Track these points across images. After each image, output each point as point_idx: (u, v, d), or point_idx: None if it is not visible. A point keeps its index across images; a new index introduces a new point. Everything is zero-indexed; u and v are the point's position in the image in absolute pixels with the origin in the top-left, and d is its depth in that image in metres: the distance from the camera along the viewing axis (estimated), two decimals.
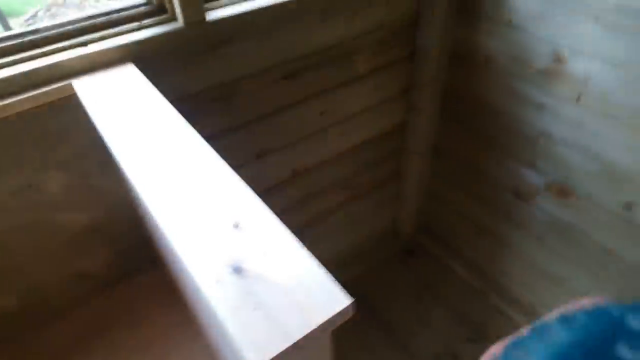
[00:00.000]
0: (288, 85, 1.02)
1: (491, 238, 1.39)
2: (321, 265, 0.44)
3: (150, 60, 0.76)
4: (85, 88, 0.69)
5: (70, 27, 0.73)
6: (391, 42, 1.15)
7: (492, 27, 1.09)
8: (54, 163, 0.72)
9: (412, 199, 1.54)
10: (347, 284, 0.41)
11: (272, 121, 1.05)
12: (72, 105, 0.70)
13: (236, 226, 0.48)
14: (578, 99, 0.98)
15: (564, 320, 0.55)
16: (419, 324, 1.42)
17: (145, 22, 0.77)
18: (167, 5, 0.78)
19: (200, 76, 0.85)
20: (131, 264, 0.92)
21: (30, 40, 0.70)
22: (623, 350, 0.41)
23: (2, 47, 0.69)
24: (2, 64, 0.68)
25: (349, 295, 0.41)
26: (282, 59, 0.97)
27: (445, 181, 1.46)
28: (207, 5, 0.81)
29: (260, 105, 1.00)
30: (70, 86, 0.69)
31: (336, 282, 0.42)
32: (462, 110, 1.28)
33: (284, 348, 0.37)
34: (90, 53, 0.71)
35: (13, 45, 0.69)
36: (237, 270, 0.43)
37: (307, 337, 0.38)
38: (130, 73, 0.73)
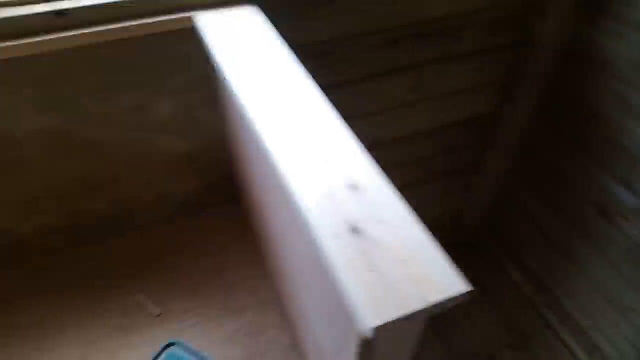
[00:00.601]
0: (388, 52, 0.99)
1: (560, 251, 1.33)
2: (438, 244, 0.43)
3: (271, 3, 0.75)
4: (207, 21, 0.69)
5: None
6: (503, 25, 1.08)
7: (617, 28, 0.99)
8: (166, 89, 0.75)
9: (484, 194, 1.49)
10: None
11: (363, 87, 1.03)
12: (192, 37, 0.71)
13: (353, 187, 0.48)
14: None
15: None
16: (463, 319, 1.41)
17: None
18: None
19: (310, 28, 0.84)
20: (213, 197, 0.96)
21: None
22: None
23: None
24: None
25: (466, 282, 0.40)
26: (390, 23, 0.93)
27: (523, 182, 1.40)
28: None
29: (356, 68, 0.98)
30: (191, 18, 0.70)
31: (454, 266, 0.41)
32: (560, 111, 1.20)
33: (399, 315, 0.37)
34: None
35: None
36: (355, 230, 0.44)
37: (421, 312, 0.38)
38: (251, 13, 0.72)
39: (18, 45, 0.57)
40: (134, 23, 0.67)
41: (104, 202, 0.86)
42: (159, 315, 0.81)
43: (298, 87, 0.60)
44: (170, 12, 0.69)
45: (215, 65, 0.72)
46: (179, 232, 0.95)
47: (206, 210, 0.98)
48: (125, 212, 0.90)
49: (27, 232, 0.84)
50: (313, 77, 0.94)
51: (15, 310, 0.81)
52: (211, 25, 0.69)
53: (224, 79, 0.64)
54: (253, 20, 0.71)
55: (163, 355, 0.68)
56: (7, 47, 0.57)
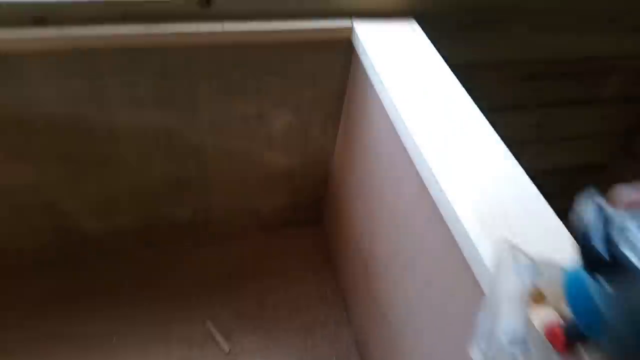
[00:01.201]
0: (523, 85, 0.87)
1: None
2: None
3: (431, 20, 0.63)
4: (364, 33, 0.58)
5: None
6: None
7: None
8: (290, 103, 0.64)
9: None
10: None
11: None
12: (332, 51, 0.60)
13: None
14: None
15: None
16: None
17: None
18: None
19: (460, 50, 0.72)
20: (297, 216, 0.86)
21: None
22: None
23: None
24: None
25: None
26: (537, 55, 0.81)
27: None
28: None
29: (487, 99, 0.86)
30: (350, 29, 0.58)
31: None
32: None
33: None
34: None
35: None
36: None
37: None
38: (410, 28, 0.60)
39: (153, 35, 0.46)
40: (281, 25, 0.55)
41: (186, 209, 0.76)
42: (227, 353, 0.71)
43: (466, 119, 0.51)
44: (328, 15, 0.58)
45: (357, 81, 0.60)
46: (256, 251, 0.84)
47: (286, 229, 0.87)
48: (204, 220, 0.79)
49: (95, 232, 0.74)
50: None
51: (72, 318, 0.71)
52: (369, 39, 0.57)
53: (382, 101, 0.52)
54: (411, 35, 0.59)
55: None
56: (142, 35, 0.46)
